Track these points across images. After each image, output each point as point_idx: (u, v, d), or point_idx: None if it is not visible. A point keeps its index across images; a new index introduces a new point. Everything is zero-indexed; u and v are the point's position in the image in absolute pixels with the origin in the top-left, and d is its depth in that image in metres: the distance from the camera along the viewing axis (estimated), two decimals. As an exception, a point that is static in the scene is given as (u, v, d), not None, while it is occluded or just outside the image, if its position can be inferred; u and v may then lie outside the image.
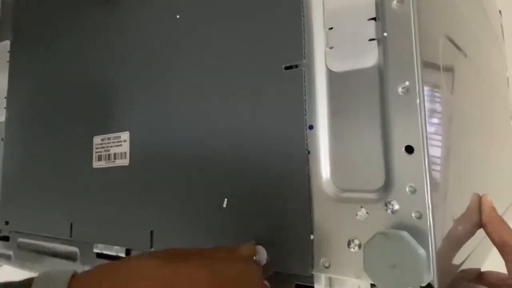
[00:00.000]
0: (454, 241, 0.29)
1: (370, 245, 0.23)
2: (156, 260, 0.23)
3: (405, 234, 0.23)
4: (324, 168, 0.28)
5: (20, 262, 0.50)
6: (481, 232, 0.38)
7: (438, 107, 0.29)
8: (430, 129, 0.26)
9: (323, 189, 0.28)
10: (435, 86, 0.29)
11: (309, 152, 0.28)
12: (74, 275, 0.23)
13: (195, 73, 0.35)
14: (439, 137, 0.29)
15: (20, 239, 0.50)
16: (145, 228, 0.36)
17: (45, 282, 0.22)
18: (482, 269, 0.42)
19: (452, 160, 0.32)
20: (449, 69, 0.36)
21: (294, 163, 0.28)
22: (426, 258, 0.22)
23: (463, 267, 0.34)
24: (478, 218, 0.38)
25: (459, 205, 0.33)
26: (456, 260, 0.30)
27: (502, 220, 0.37)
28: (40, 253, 0.47)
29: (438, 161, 0.27)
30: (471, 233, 0.37)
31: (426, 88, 0.26)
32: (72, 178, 0.44)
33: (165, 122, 0.36)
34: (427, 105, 0.26)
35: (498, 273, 0.39)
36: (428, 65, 0.27)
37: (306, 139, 0.28)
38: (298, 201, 0.28)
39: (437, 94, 0.30)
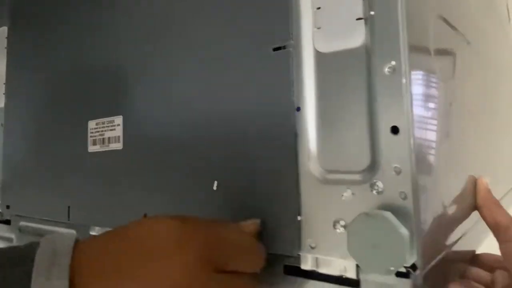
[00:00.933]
0: (444, 222, 0.29)
1: (353, 225, 0.23)
2: (164, 220, 0.24)
3: (388, 214, 0.23)
4: (311, 150, 0.28)
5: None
6: (476, 214, 0.38)
7: (431, 90, 0.29)
8: (421, 111, 0.26)
9: (310, 171, 0.27)
10: (426, 69, 0.28)
11: (296, 134, 0.28)
12: (79, 241, 0.24)
13: (184, 56, 0.35)
14: (432, 120, 0.29)
15: (22, 223, 0.51)
16: (138, 211, 0.36)
17: (51, 245, 0.23)
18: (481, 252, 0.42)
19: (447, 143, 0.32)
20: (447, 53, 0.35)
21: (282, 145, 0.28)
22: (409, 238, 0.22)
23: (455, 248, 0.34)
24: (473, 200, 0.38)
25: (452, 187, 0.33)
26: (445, 241, 0.30)
27: (497, 202, 0.37)
28: (41, 236, 0.48)
29: (426, 142, 0.26)
30: (465, 215, 0.37)
31: (415, 70, 0.26)
32: (68, 162, 0.44)
33: (155, 105, 0.36)
34: (416, 86, 0.25)
35: (493, 255, 0.39)
36: (416, 46, 0.26)
37: (294, 121, 0.28)
38: (286, 183, 0.28)
39: (430, 78, 0.29)
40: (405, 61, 0.24)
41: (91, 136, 0.42)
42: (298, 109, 0.28)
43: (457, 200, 0.34)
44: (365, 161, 0.25)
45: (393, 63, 0.24)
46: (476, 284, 0.38)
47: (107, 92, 0.41)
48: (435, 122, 0.29)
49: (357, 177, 0.26)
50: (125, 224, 0.25)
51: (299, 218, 0.27)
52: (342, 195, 0.26)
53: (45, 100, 0.48)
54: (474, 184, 0.39)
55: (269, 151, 0.29)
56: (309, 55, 0.28)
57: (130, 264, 0.22)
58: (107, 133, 0.40)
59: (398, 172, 0.24)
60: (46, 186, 0.46)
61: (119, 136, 0.39)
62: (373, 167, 0.25)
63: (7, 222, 0.53)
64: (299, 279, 0.28)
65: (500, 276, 0.38)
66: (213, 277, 0.22)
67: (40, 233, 0.48)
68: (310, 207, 0.27)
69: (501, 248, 0.34)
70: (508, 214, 0.35)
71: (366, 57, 0.26)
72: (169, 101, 0.36)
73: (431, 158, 0.27)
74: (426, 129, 0.27)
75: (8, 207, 0.51)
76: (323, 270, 0.27)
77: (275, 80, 0.29)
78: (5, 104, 0.54)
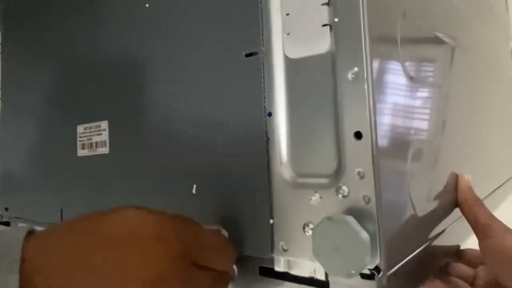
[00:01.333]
0: (417, 221, 0.30)
1: (317, 229, 0.24)
2: (139, 214, 0.24)
3: (349, 218, 0.23)
4: (282, 154, 0.28)
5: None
6: (458, 210, 0.38)
7: (402, 95, 0.29)
8: (388, 116, 0.26)
9: (281, 175, 0.28)
10: (395, 74, 0.29)
11: (268, 139, 0.29)
12: (31, 233, 0.22)
13: (160, 63, 0.36)
14: (402, 124, 0.29)
15: (20, 224, 0.53)
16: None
17: (2, 237, 0.21)
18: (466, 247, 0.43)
19: (423, 145, 0.32)
20: (424, 58, 0.35)
21: (254, 150, 0.29)
22: (369, 242, 0.23)
23: (436, 243, 0.35)
24: (455, 196, 0.38)
25: (428, 185, 0.33)
26: (420, 238, 0.31)
27: (478, 200, 0.37)
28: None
29: (393, 147, 0.27)
30: (447, 211, 0.37)
31: (381, 75, 0.26)
32: (60, 166, 0.45)
33: (135, 111, 0.37)
34: (383, 92, 0.26)
35: (477, 251, 0.40)
36: (381, 51, 0.26)
37: (265, 126, 0.29)
38: (258, 187, 0.29)
39: (400, 82, 0.29)
40: (367, 67, 0.25)
41: (80, 141, 0.43)
42: (270, 114, 0.29)
43: (436, 197, 0.35)
44: (331, 166, 0.26)
45: (356, 69, 0.25)
46: (458, 280, 0.39)
47: (94, 97, 0.42)
48: (405, 125, 0.30)
49: (324, 181, 0.26)
50: (86, 214, 0.25)
51: (271, 221, 0.28)
52: (311, 199, 0.26)
53: (38, 104, 0.49)
54: (456, 180, 0.39)
55: (242, 156, 0.30)
56: (279, 61, 0.29)
57: (105, 258, 0.21)
58: (95, 137, 0.41)
59: (362, 176, 0.24)
60: (41, 189, 0.48)
61: (105, 141, 0.40)
62: (339, 172, 0.25)
63: (6, 223, 0.55)
64: (274, 281, 0.29)
65: (482, 272, 0.39)
66: (190, 270, 0.23)
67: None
68: (281, 210, 0.28)
69: (480, 245, 0.34)
70: (488, 212, 0.36)
71: (332, 63, 0.26)
72: (147, 106, 0.36)
73: (398, 162, 0.27)
74: (394, 133, 0.27)
75: (6, 209, 0.53)
76: (295, 271, 0.27)
77: (247, 86, 0.30)
78: (1, 108, 0.56)
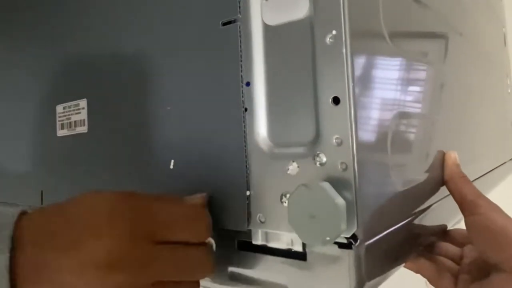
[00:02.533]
0: (398, 194, 0.29)
1: (292, 197, 0.23)
2: (100, 195, 0.24)
3: (325, 184, 0.22)
4: (260, 124, 0.27)
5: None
6: (445, 189, 0.38)
7: (382, 61, 0.29)
8: (367, 83, 0.26)
9: (259, 146, 0.27)
10: (375, 38, 0.28)
11: (246, 109, 0.28)
12: (23, 213, 0.23)
13: (137, 37, 0.35)
14: (384, 93, 0.29)
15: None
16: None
17: None
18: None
19: (407, 117, 0.31)
20: (412, 33, 0.34)
21: (231, 121, 0.28)
22: (344, 208, 0.22)
23: (420, 221, 0.34)
24: (441, 174, 0.38)
25: (412, 159, 0.33)
26: (402, 214, 0.30)
27: (464, 177, 0.37)
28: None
29: (373, 115, 0.26)
30: (433, 189, 0.37)
31: (360, 39, 0.25)
32: (40, 147, 0.44)
33: (113, 88, 0.36)
34: (360, 56, 0.25)
35: (463, 230, 0.39)
36: (361, 13, 0.26)
37: (243, 96, 0.28)
38: (235, 158, 0.28)
39: (382, 47, 0.29)
40: (345, 29, 0.24)
41: (59, 121, 0.42)
42: (248, 84, 0.28)
43: (421, 173, 0.34)
44: (309, 134, 0.25)
45: (334, 32, 0.24)
46: (443, 259, 0.38)
47: (73, 75, 0.41)
48: (389, 95, 0.29)
49: (302, 150, 0.25)
50: (72, 197, 0.25)
51: (248, 193, 0.27)
52: (288, 169, 0.26)
53: (18, 85, 0.48)
54: (443, 158, 0.38)
55: (219, 127, 0.29)
56: (257, 28, 0.28)
57: (65, 238, 0.22)
58: (73, 116, 0.40)
59: (339, 143, 0.24)
60: (20, 172, 0.47)
61: (84, 120, 0.39)
62: (316, 139, 0.25)
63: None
64: (252, 254, 0.28)
65: (469, 251, 0.38)
66: (151, 249, 0.22)
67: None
68: (259, 181, 0.27)
69: (466, 222, 0.34)
70: (474, 189, 0.35)
71: (310, 28, 0.25)
72: (123, 83, 0.35)
73: (379, 131, 0.26)
74: (374, 101, 0.27)
75: (-13, 194, 0.52)
76: (272, 244, 0.27)
77: (224, 56, 0.29)
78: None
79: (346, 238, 0.23)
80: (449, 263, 0.37)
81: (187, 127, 0.31)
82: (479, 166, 0.54)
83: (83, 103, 0.39)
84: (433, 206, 0.37)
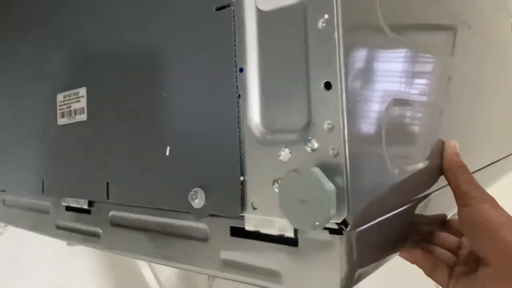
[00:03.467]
0: (393, 181, 0.29)
1: (283, 182, 0.23)
2: None
3: (315, 169, 0.22)
4: (253, 110, 0.27)
5: (7, 218, 0.52)
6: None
7: (377, 45, 0.28)
8: (361, 68, 0.25)
9: (252, 132, 0.27)
10: (371, 23, 0.27)
11: (239, 96, 0.28)
12: None
13: (132, 24, 0.35)
14: (380, 79, 0.28)
15: (5, 196, 0.52)
16: (102, 180, 0.37)
17: None
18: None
19: (403, 104, 0.31)
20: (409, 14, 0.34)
21: (225, 107, 0.28)
22: (334, 193, 0.22)
23: (418, 210, 0.34)
24: (440, 163, 0.37)
25: (409, 146, 0.32)
26: (396, 201, 0.30)
27: (462, 166, 0.36)
28: (22, 209, 0.49)
29: (367, 101, 0.26)
30: (432, 178, 0.36)
31: (354, 24, 0.25)
32: (41, 135, 0.45)
33: (111, 75, 0.37)
34: (354, 40, 0.25)
35: (463, 221, 0.39)
36: (354, 2, 0.25)
37: (236, 82, 0.28)
38: (229, 144, 0.28)
39: (378, 33, 0.28)
40: (337, 14, 0.23)
41: (59, 109, 0.42)
42: (241, 70, 0.28)
43: (419, 161, 0.34)
44: (301, 120, 0.25)
45: (326, 16, 0.24)
46: (441, 250, 0.38)
47: (73, 64, 0.41)
48: (384, 81, 0.29)
49: (294, 136, 0.25)
50: None
51: (241, 178, 0.27)
52: (280, 155, 0.26)
53: (18, 74, 0.49)
54: (442, 147, 0.38)
55: (213, 113, 0.29)
56: (251, 13, 0.28)
57: None
58: (74, 105, 0.41)
59: (331, 129, 0.24)
60: (22, 161, 0.47)
61: (83, 108, 0.39)
62: (308, 125, 0.25)
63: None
64: (245, 240, 0.28)
65: (467, 241, 0.38)
66: None
67: (22, 206, 0.50)
68: (252, 167, 0.27)
69: (458, 213, 0.33)
70: (471, 179, 0.35)
71: (303, 13, 0.25)
72: (121, 71, 0.36)
73: (372, 117, 0.26)
74: (368, 87, 0.26)
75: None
76: (265, 230, 0.27)
77: (217, 41, 0.29)
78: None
79: (337, 223, 0.23)
80: (447, 254, 0.37)
81: (182, 113, 0.31)
82: (485, 156, 0.53)
83: (82, 91, 0.40)
84: (432, 195, 0.37)
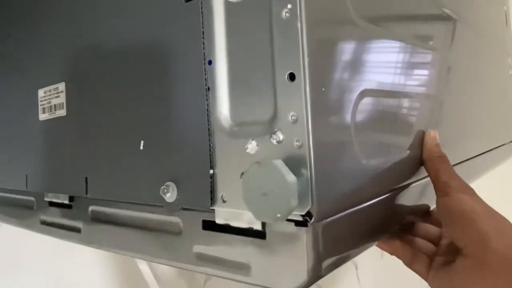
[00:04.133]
0: (365, 171, 0.29)
1: (246, 174, 0.23)
2: None
3: (277, 161, 0.22)
4: (222, 103, 0.27)
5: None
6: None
7: (347, 35, 0.28)
8: (325, 58, 0.25)
9: (222, 125, 0.27)
10: (337, 12, 0.27)
11: (208, 88, 0.28)
12: None
13: (106, 19, 0.34)
14: (349, 68, 0.28)
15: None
16: (81, 175, 0.37)
17: None
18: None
19: (376, 95, 0.31)
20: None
21: (194, 100, 0.28)
22: (295, 184, 0.22)
23: (398, 201, 0.34)
24: (421, 154, 0.37)
25: (383, 137, 0.32)
26: (369, 191, 0.29)
27: (442, 157, 0.36)
28: (7, 204, 0.50)
29: (333, 92, 0.26)
30: (411, 168, 0.36)
31: (320, 13, 0.25)
32: (24, 131, 0.45)
33: (87, 70, 0.36)
34: (319, 30, 0.24)
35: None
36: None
37: (205, 75, 0.28)
38: (199, 138, 0.28)
39: (346, 23, 0.28)
40: (300, 4, 0.23)
41: (41, 105, 0.42)
42: (210, 62, 0.28)
43: (396, 151, 0.34)
44: (268, 112, 0.25)
45: (289, 6, 0.23)
46: (422, 241, 0.38)
47: (52, 59, 0.41)
48: (352, 70, 0.28)
49: (260, 128, 0.25)
50: None
51: (211, 172, 0.27)
52: (247, 147, 0.25)
53: (0, 71, 0.49)
54: (422, 138, 0.38)
55: (183, 107, 0.29)
56: (219, 5, 0.27)
57: None
58: (54, 100, 0.41)
59: (295, 120, 0.23)
60: (6, 156, 0.47)
61: (62, 103, 0.39)
62: (274, 117, 0.24)
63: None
64: (216, 234, 0.28)
65: (445, 232, 0.38)
66: None
67: (7, 202, 0.50)
68: (222, 160, 0.27)
69: (437, 203, 0.33)
70: (450, 169, 0.34)
71: (269, 3, 0.25)
72: (95, 65, 0.35)
73: (339, 108, 0.26)
74: (335, 76, 0.26)
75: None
76: (234, 223, 0.27)
77: (186, 33, 0.28)
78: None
79: (302, 215, 0.23)
80: (427, 244, 0.37)
81: (154, 107, 0.31)
82: (474, 147, 0.53)
83: (61, 86, 0.40)
84: (412, 185, 0.36)
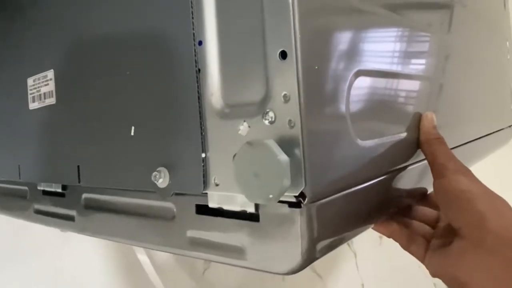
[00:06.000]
0: (361, 152, 0.28)
1: (237, 156, 0.23)
2: None
3: (269, 141, 0.22)
4: (214, 84, 0.26)
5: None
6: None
7: (340, 10, 0.27)
8: (318, 38, 0.24)
9: (213, 106, 0.26)
10: None
11: (199, 70, 0.27)
12: None
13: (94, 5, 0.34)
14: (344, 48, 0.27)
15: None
16: (73, 163, 0.36)
17: None
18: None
19: (371, 75, 0.30)
20: None
21: (185, 82, 0.27)
22: (287, 163, 0.21)
23: (394, 183, 0.33)
24: (418, 136, 0.37)
25: (379, 118, 0.32)
26: (364, 173, 0.29)
27: (439, 139, 0.35)
28: (0, 194, 0.49)
29: (326, 70, 0.25)
30: (409, 151, 0.36)
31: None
32: (15, 121, 0.44)
33: (75, 56, 0.36)
34: (311, 7, 0.24)
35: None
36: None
37: (196, 56, 0.27)
38: (190, 121, 0.27)
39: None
40: (290, -21, 0.22)
41: (30, 94, 0.42)
42: (200, 43, 0.27)
43: (393, 132, 0.33)
44: (260, 92, 0.24)
45: (279, -18, 0.23)
46: (419, 224, 0.37)
47: (40, 46, 0.40)
48: (347, 48, 0.28)
49: (253, 109, 0.24)
50: None
51: (203, 155, 0.27)
52: (239, 129, 0.25)
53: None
54: (419, 120, 0.37)
55: (174, 89, 0.28)
56: (207, -17, 0.27)
57: None
58: (43, 88, 0.40)
59: (287, 100, 0.23)
60: (0, 147, 0.47)
61: (52, 91, 0.39)
62: (266, 97, 0.24)
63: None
64: (209, 218, 0.27)
65: (443, 214, 0.37)
66: None
67: (0, 193, 0.49)
68: (214, 143, 0.26)
69: (434, 184, 0.33)
70: (447, 151, 0.34)
71: (258, -22, 0.24)
72: (84, 50, 0.35)
73: (334, 88, 0.25)
74: (328, 56, 0.25)
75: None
76: (227, 206, 0.26)
77: (175, 13, 0.28)
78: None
79: (295, 197, 0.23)
80: (424, 227, 0.37)
81: (145, 91, 0.30)
82: (472, 130, 0.52)
83: (50, 74, 0.39)
84: (409, 168, 0.36)
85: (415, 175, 0.38)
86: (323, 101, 0.24)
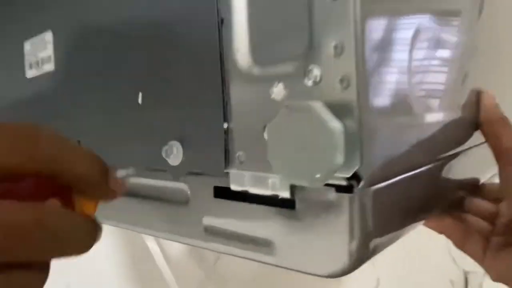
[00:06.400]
0: (418, 130, 0.23)
1: (272, 124, 0.17)
2: None
3: (315, 104, 0.16)
4: (240, 38, 0.21)
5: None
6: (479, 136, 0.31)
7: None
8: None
9: (239, 66, 0.21)
10: None
11: (222, 21, 0.22)
12: None
13: None
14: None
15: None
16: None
17: None
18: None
19: (432, 42, 0.25)
20: None
21: (204, 36, 0.22)
22: (341, 133, 0.16)
23: (446, 172, 0.28)
24: (476, 116, 0.31)
25: (441, 92, 0.26)
26: (420, 156, 0.24)
27: (503, 119, 0.30)
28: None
29: (387, 17, 0.19)
30: (465, 133, 0.30)
31: None
32: (10, 91, 0.40)
33: (78, 18, 0.31)
34: None
35: (498, 184, 0.32)
36: None
37: (218, 4, 0.22)
38: (210, 82, 0.22)
39: None
40: None
41: (27, 60, 0.37)
42: (224, -13, 0.22)
43: (450, 110, 0.28)
44: (301, 43, 0.19)
45: None
46: (474, 218, 0.32)
47: (37, 5, 0.35)
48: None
49: (290, 66, 0.19)
50: None
51: (225, 126, 0.22)
52: (272, 93, 0.20)
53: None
54: (478, 98, 0.31)
55: (190, 45, 0.23)
56: None
57: None
58: (40, 53, 0.35)
59: (340, 52, 0.17)
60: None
61: (50, 56, 0.34)
62: (309, 50, 0.18)
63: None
64: (231, 203, 0.22)
65: (506, 208, 0.32)
66: None
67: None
68: (238, 111, 0.21)
69: (499, 173, 0.28)
70: (514, 134, 0.28)
71: None
72: (89, 12, 0.30)
73: (396, 44, 0.20)
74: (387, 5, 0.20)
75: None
76: (255, 190, 0.21)
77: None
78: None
79: (346, 178, 0.17)
80: (481, 223, 0.31)
81: (154, 50, 0.25)
82: None
83: (48, 36, 0.34)
84: (462, 154, 0.30)
85: (467, 162, 0.32)
86: (385, 55, 0.19)
